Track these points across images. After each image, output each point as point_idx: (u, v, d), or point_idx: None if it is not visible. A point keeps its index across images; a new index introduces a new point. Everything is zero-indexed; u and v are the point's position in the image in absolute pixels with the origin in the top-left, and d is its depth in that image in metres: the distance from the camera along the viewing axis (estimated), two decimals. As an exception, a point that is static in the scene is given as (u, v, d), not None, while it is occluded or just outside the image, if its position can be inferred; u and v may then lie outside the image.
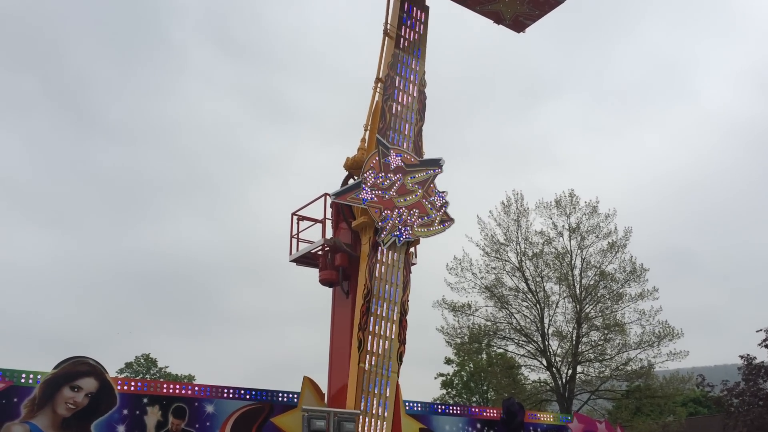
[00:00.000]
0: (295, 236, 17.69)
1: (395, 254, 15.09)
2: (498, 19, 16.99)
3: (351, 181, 16.19)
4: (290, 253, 17.58)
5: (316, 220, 17.70)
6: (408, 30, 15.92)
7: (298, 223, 17.83)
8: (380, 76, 15.46)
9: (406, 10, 15.96)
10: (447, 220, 15.83)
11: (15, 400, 11.83)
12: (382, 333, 14.24)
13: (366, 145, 15.84)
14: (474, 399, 37.81)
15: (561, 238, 28.33)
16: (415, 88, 15.76)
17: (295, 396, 15.20)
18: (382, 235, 14.73)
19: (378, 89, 15.34)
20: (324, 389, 15.74)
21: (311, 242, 17.28)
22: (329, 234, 17.11)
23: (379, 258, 14.73)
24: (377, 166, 15.17)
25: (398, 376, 14.24)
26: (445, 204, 15.85)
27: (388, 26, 15.73)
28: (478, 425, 17.57)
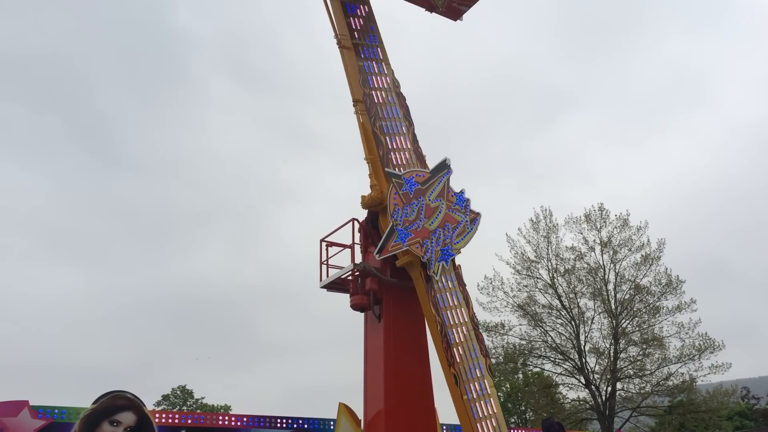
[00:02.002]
0: (325, 262, 17.76)
1: (447, 276, 14.91)
2: (430, 7, 16.05)
3: (383, 229, 15.85)
4: (320, 279, 17.64)
5: (344, 246, 17.75)
6: (360, 33, 15.04)
7: (327, 249, 17.88)
8: (357, 98, 14.88)
9: (347, 11, 15.01)
10: (475, 218, 15.66)
11: (56, 436, 11.98)
12: (466, 356, 13.93)
13: (374, 177, 15.43)
14: (512, 420, 37.21)
15: (593, 253, 28.01)
16: (393, 94, 15.14)
17: (332, 423, 15.17)
18: (431, 268, 14.55)
19: (359, 111, 14.80)
20: (360, 414, 15.66)
21: (341, 267, 17.34)
22: (358, 258, 17.17)
23: (436, 289, 14.42)
24: (399, 200, 14.94)
25: (496, 389, 13.89)
26: (467, 203, 15.76)
27: (339, 36, 14.95)
28: (518, 447, 17.27)
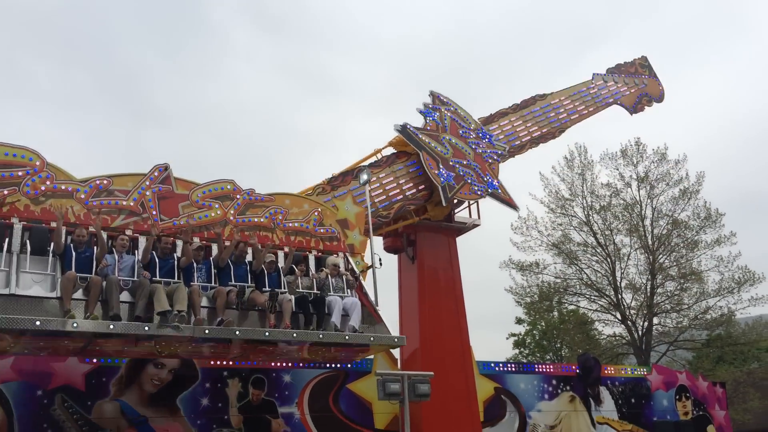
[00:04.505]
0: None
1: None
2: None
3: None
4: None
5: (376, 188, 17.74)
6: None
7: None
8: None
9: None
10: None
11: (104, 379, 12.45)
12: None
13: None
14: (548, 357, 37.55)
15: (629, 189, 27.51)
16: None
17: (369, 362, 15.44)
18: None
19: None
20: (396, 354, 15.93)
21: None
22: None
23: None
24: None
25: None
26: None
27: None
28: (554, 382, 17.46)
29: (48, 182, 10.03)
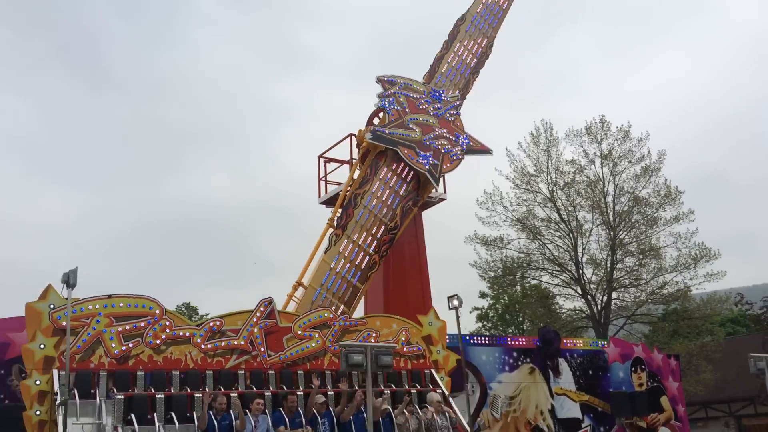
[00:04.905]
0: (323, 178, 17.77)
1: None
2: None
3: (377, 120, 16.10)
4: (319, 196, 17.71)
5: (342, 162, 17.71)
6: None
7: (325, 166, 17.88)
8: None
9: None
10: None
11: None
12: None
13: None
14: (510, 330, 38.19)
15: (593, 166, 27.88)
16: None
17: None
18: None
19: None
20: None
21: (339, 183, 17.35)
22: (357, 174, 17.13)
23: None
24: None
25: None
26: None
27: None
28: (515, 354, 17.82)
29: (168, 330, 10.86)
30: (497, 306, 39.10)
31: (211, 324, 11.39)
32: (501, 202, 28.18)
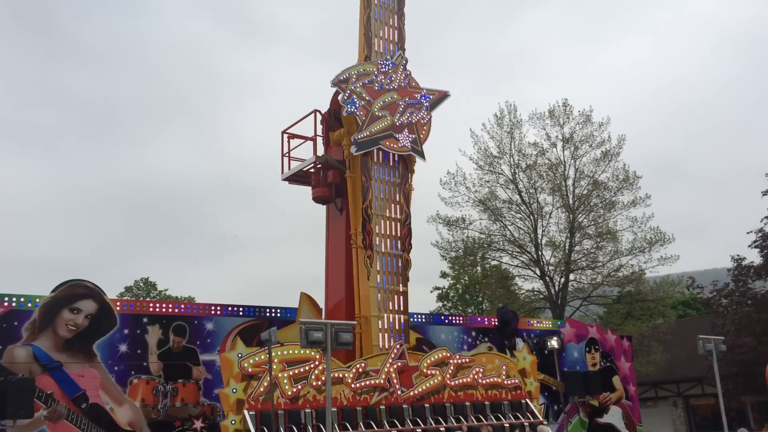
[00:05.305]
0: (286, 155, 17.55)
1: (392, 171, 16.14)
2: None
3: (340, 97, 15.89)
4: (282, 172, 17.49)
5: (306, 138, 17.50)
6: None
7: (288, 142, 17.64)
8: None
9: None
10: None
11: (15, 323, 12.01)
12: (384, 247, 15.41)
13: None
14: (469, 310, 38.66)
15: (554, 149, 28.18)
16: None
17: (293, 311, 15.49)
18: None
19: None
20: (321, 304, 16.02)
21: (302, 160, 17.17)
22: (321, 151, 16.97)
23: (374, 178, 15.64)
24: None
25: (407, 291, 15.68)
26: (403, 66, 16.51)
27: None
28: (473, 333, 18.03)
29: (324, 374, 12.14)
30: (458, 286, 39.50)
31: (358, 365, 13.26)
32: (464, 183, 28.36)
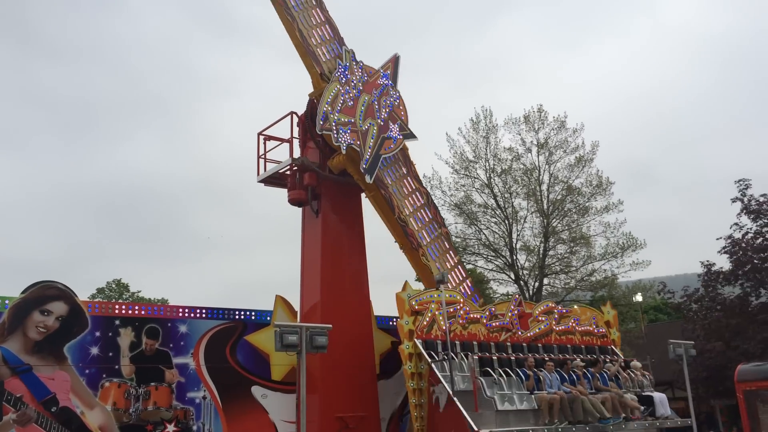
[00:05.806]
0: (262, 156, 17.46)
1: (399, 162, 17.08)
2: None
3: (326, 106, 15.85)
4: (258, 174, 17.40)
5: (282, 140, 17.43)
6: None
7: (264, 143, 17.55)
8: None
9: None
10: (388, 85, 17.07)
11: (-16, 325, 11.75)
12: (428, 238, 16.98)
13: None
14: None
15: (529, 154, 28.44)
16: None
17: (268, 315, 15.40)
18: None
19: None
20: (296, 306, 15.96)
21: (279, 162, 17.10)
22: (297, 153, 16.93)
23: (389, 183, 16.40)
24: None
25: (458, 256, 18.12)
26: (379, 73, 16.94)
27: None
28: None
29: (468, 313, 15.32)
30: (432, 289, 39.59)
31: (490, 308, 16.00)
32: (440, 186, 28.51)
